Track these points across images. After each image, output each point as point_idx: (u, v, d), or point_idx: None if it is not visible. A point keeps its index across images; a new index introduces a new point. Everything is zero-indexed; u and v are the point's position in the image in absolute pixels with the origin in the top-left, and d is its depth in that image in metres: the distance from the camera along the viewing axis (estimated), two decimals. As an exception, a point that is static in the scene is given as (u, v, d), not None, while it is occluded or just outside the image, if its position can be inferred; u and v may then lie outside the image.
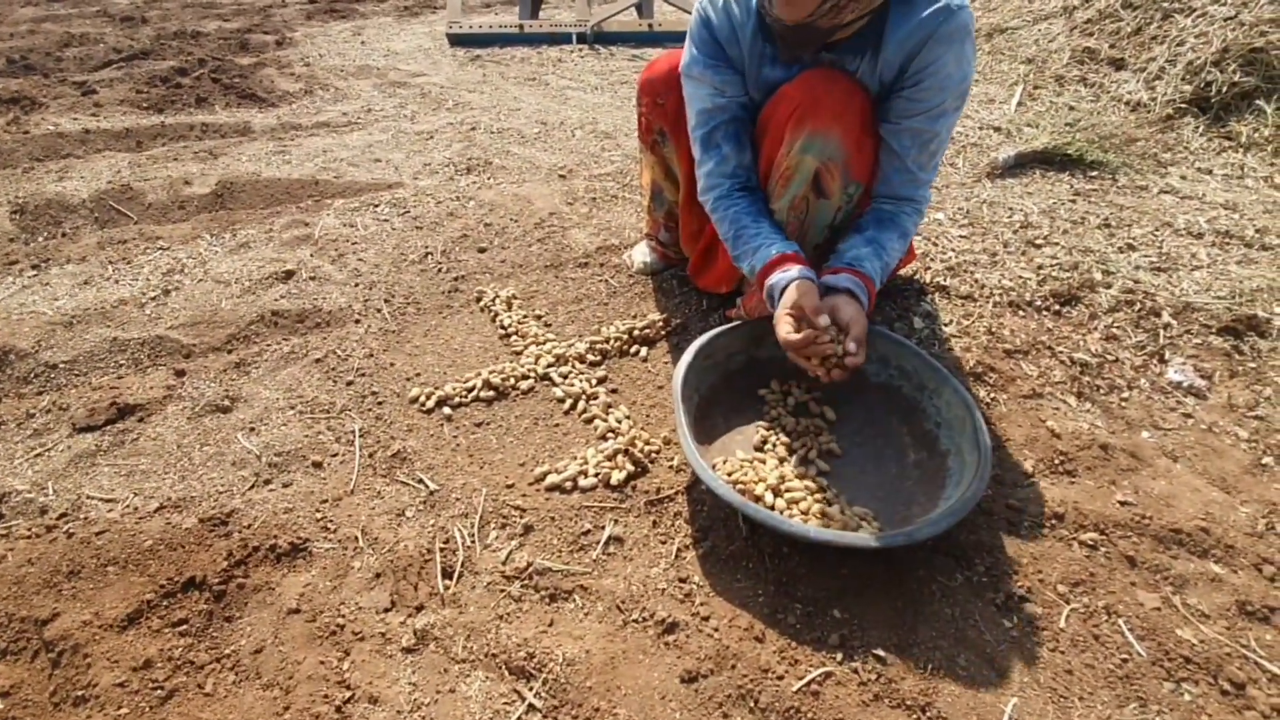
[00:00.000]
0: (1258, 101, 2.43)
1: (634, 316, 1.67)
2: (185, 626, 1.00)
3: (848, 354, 1.14)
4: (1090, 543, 1.12)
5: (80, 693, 0.92)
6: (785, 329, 1.16)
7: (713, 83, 1.27)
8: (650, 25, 4.33)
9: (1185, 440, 1.32)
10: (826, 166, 1.24)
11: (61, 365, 1.54)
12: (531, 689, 0.93)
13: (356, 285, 1.83)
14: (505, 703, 0.92)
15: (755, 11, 1.21)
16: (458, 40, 4.23)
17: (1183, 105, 2.53)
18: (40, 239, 2.08)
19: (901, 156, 1.24)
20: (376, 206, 2.23)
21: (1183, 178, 2.25)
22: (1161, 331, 1.56)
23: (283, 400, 1.44)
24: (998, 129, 2.62)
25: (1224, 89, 2.48)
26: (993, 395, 1.41)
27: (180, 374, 1.52)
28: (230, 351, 1.60)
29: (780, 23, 1.08)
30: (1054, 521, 1.16)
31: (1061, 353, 1.51)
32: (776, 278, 1.20)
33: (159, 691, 0.92)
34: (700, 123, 1.31)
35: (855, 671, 0.95)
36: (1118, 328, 1.58)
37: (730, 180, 1.32)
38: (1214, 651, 0.97)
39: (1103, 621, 1.01)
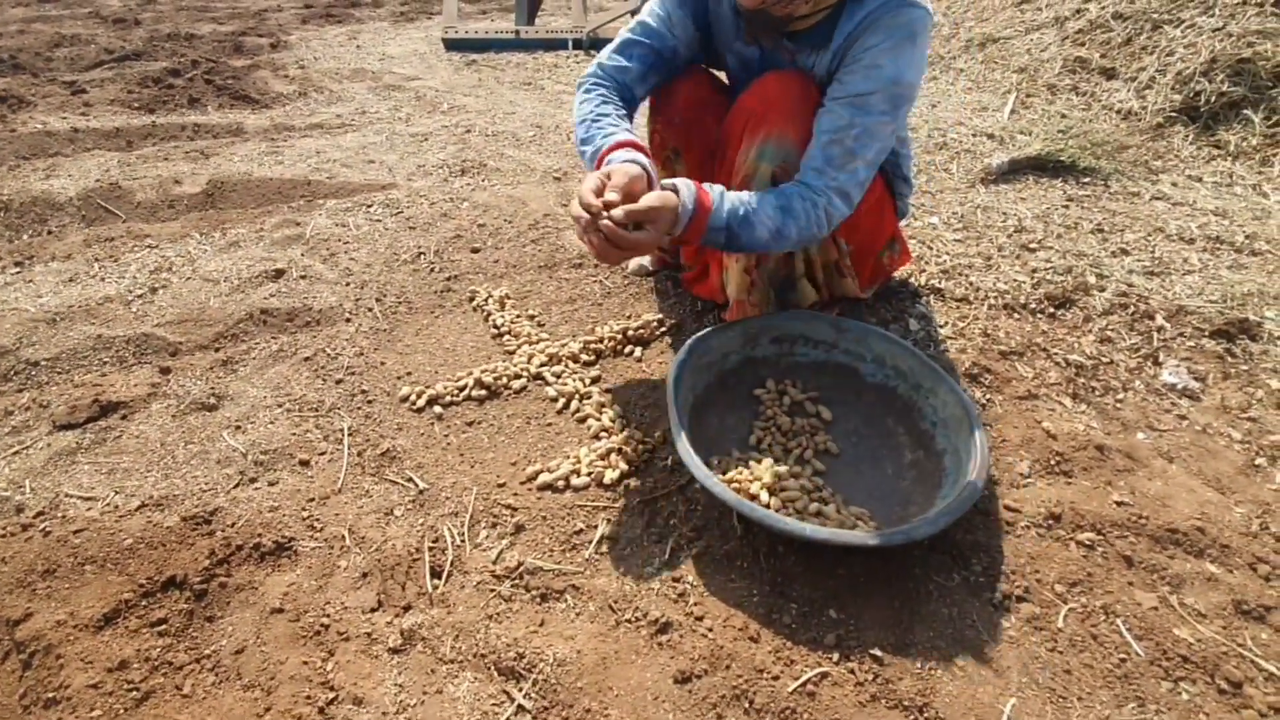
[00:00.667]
0: (1245, 111, 2.46)
1: (628, 317, 1.65)
2: (164, 626, 0.98)
3: (607, 206, 1.03)
4: (1087, 543, 1.11)
5: (51, 695, 0.89)
6: (585, 186, 1.06)
7: (671, 14, 1.30)
8: (645, 33, 4.34)
9: (1180, 441, 1.32)
10: (783, 168, 1.25)
11: (43, 362, 1.51)
12: (521, 690, 0.91)
13: (348, 284, 1.81)
14: (494, 704, 0.89)
15: None
16: (453, 45, 4.24)
17: (1173, 114, 2.56)
18: (25, 236, 2.05)
19: (817, 139, 1.17)
20: (369, 207, 2.21)
21: (1173, 185, 2.26)
22: (1155, 334, 1.56)
23: (270, 399, 1.42)
24: (991, 136, 2.64)
25: (1213, 99, 2.51)
26: (988, 396, 1.41)
27: (166, 372, 1.49)
28: (218, 349, 1.57)
29: (742, 5, 1.13)
30: (1051, 522, 1.15)
31: (1056, 355, 1.51)
32: (615, 155, 1.15)
33: (134, 693, 0.89)
34: (636, 31, 1.32)
35: (852, 672, 0.93)
36: (1112, 330, 1.58)
37: (616, 85, 1.32)
38: (1211, 650, 0.96)
39: (1100, 621, 1.00)
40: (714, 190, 1.15)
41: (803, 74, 1.24)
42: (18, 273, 1.85)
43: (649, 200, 1.04)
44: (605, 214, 1.03)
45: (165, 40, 4.19)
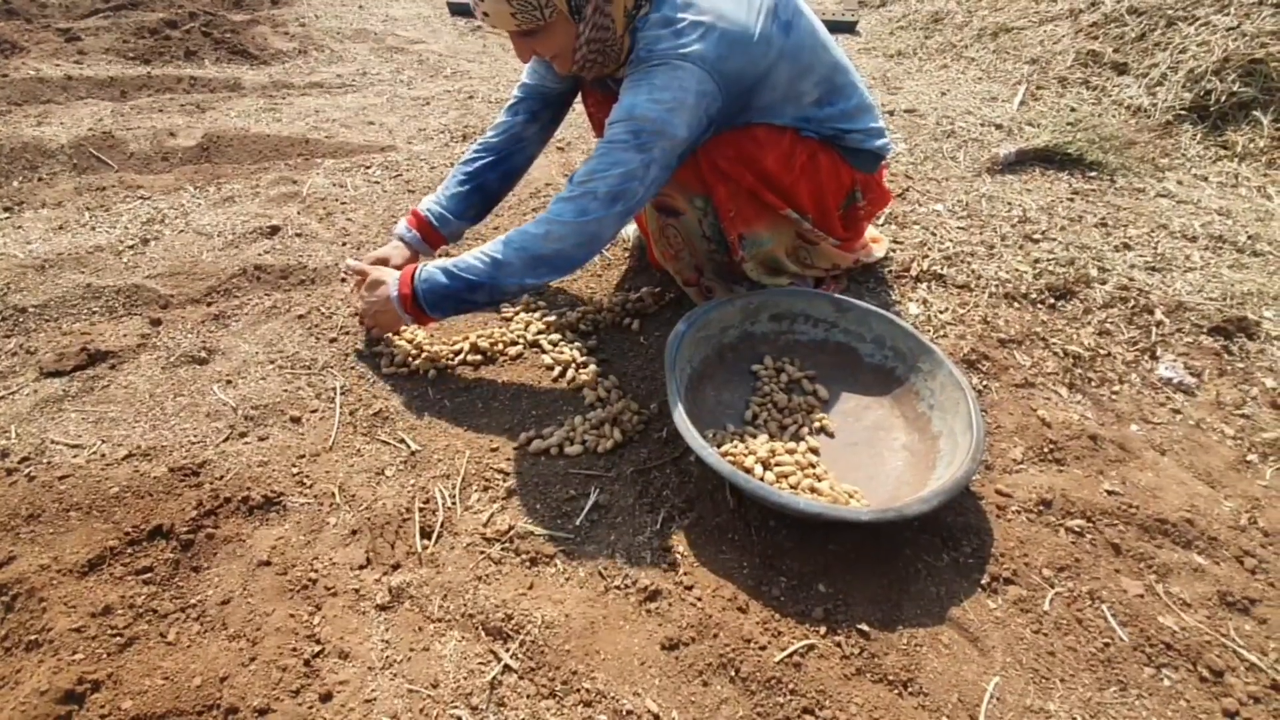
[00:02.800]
0: (1255, 112, 2.45)
1: (627, 289, 1.64)
2: (150, 575, 0.97)
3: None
4: (1077, 529, 1.12)
5: (33, 637, 0.89)
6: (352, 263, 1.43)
7: (540, 70, 1.48)
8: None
9: (1173, 435, 1.32)
10: (665, 192, 1.36)
11: (31, 309, 1.48)
12: (509, 650, 0.90)
13: (344, 244, 1.78)
14: (481, 662, 0.89)
15: None
16: (458, 9, 4.16)
17: (1182, 112, 2.54)
18: (15, 182, 2.01)
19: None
20: (368, 168, 2.18)
21: (1179, 183, 2.25)
22: (1154, 329, 1.56)
23: (262, 354, 1.40)
24: (999, 126, 2.62)
25: (1223, 98, 2.49)
26: (985, 383, 1.40)
27: (156, 323, 1.47)
28: (209, 304, 1.55)
29: (558, 71, 1.30)
30: (1042, 508, 1.15)
31: (1055, 344, 1.50)
32: (399, 226, 1.53)
33: (118, 638, 0.89)
34: (518, 91, 1.52)
35: (838, 645, 0.93)
36: (1111, 323, 1.57)
37: (494, 143, 1.52)
38: (1194, 639, 0.97)
39: (1086, 606, 1.01)
40: (427, 266, 1.27)
41: None
42: (6, 218, 1.81)
43: (369, 276, 1.35)
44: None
45: (163, -9, 4.08)
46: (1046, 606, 1.01)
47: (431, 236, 1.52)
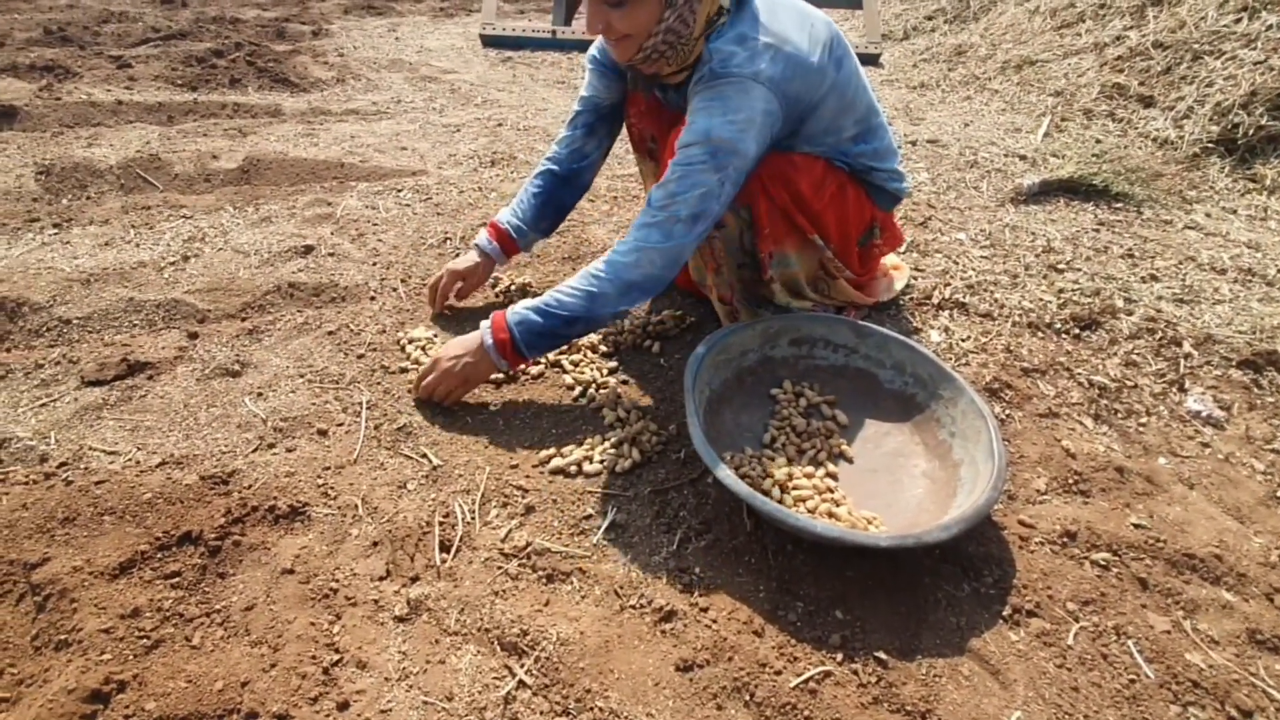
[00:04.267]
0: (1285, 146, 2.42)
1: (649, 311, 1.66)
2: (177, 579, 0.99)
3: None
4: (1102, 563, 1.10)
5: (63, 637, 0.91)
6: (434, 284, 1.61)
7: (595, 83, 1.54)
8: (680, 39, 4.38)
9: (1202, 469, 1.30)
10: None
11: (75, 320, 1.55)
12: (523, 666, 0.91)
13: (374, 264, 1.83)
14: (495, 677, 0.90)
15: None
16: (490, 41, 4.29)
17: (1209, 145, 2.53)
18: (64, 200, 2.10)
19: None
20: (399, 191, 2.24)
21: (1207, 215, 2.23)
22: (1182, 361, 1.54)
23: (292, 369, 1.44)
24: (1023, 157, 2.62)
25: (1251, 131, 2.48)
26: (1008, 412, 1.39)
27: (193, 336, 1.52)
28: (244, 319, 1.60)
29: (616, 59, 1.30)
30: (1066, 540, 1.13)
31: (1080, 375, 1.49)
32: (479, 238, 1.62)
33: (144, 640, 0.91)
34: (577, 105, 1.58)
35: (855, 673, 0.92)
36: (1138, 354, 1.56)
37: (560, 156, 1.60)
38: (1222, 678, 0.94)
39: (1111, 641, 0.99)
40: (520, 306, 1.29)
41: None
42: (56, 234, 1.90)
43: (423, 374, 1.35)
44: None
45: (210, 22, 4.28)
46: (1070, 641, 0.99)
47: (509, 247, 1.61)
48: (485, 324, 1.30)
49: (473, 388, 1.35)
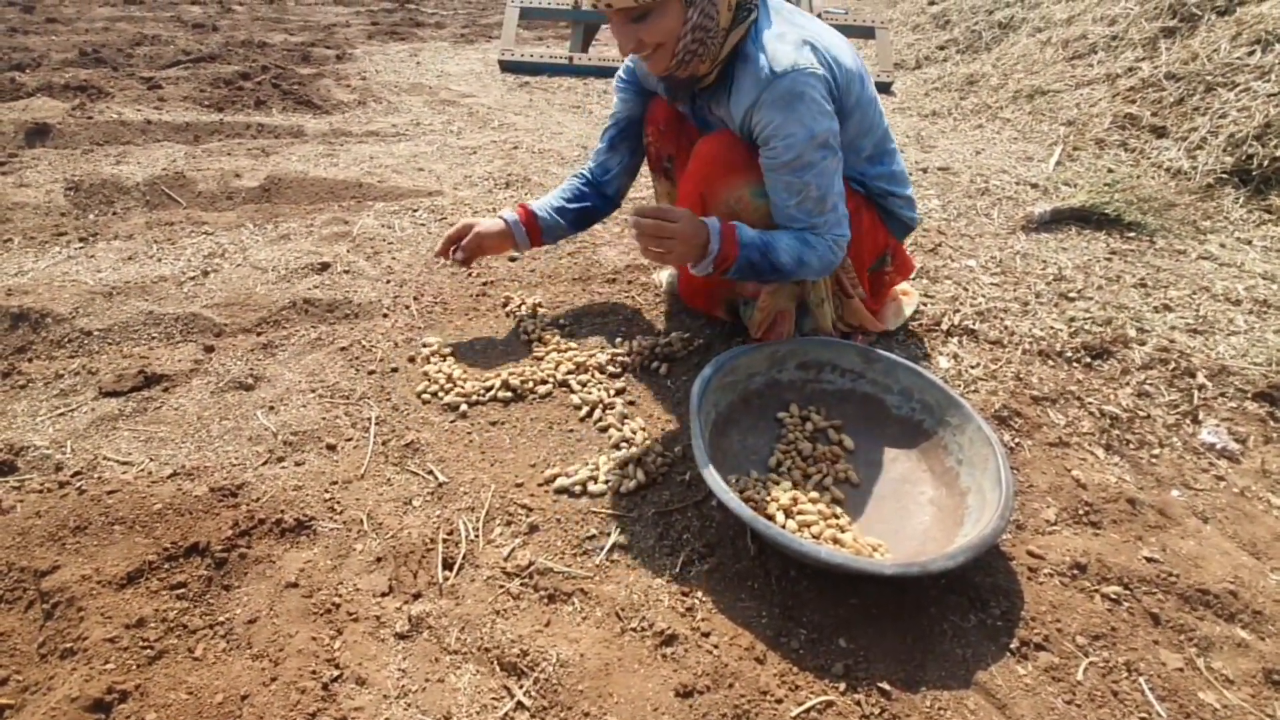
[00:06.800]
0: (1301, 177, 2.41)
1: (657, 333, 1.67)
2: (183, 590, 1.00)
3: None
4: (1113, 596, 1.08)
5: (69, 645, 0.92)
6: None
7: (621, 99, 1.61)
8: (695, 66, 4.45)
9: (1216, 502, 1.27)
10: (733, 210, 1.38)
11: (96, 332, 1.58)
12: (522, 686, 0.90)
13: (388, 282, 1.86)
14: (494, 698, 0.89)
15: None
16: (509, 67, 4.38)
17: (1223, 175, 2.52)
18: (91, 215, 2.16)
19: (783, 208, 1.31)
20: (415, 211, 2.28)
21: (1221, 245, 2.22)
22: (1196, 392, 1.52)
23: (304, 383, 1.46)
24: (1034, 185, 2.63)
25: (1265, 163, 2.47)
26: (1017, 440, 1.38)
27: (209, 350, 1.55)
28: (259, 333, 1.63)
29: (651, 71, 1.32)
30: (1075, 572, 1.12)
31: (1091, 404, 1.47)
32: (505, 211, 1.63)
33: (148, 651, 0.91)
34: (607, 120, 1.65)
35: (858, 703, 0.91)
36: (1150, 385, 1.54)
37: (590, 166, 1.67)
38: (1237, 718, 0.91)
39: (1122, 678, 0.96)
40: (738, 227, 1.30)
41: (724, 135, 1.38)
42: (81, 248, 1.95)
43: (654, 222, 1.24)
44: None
45: (239, 46, 4.41)
46: (1080, 676, 0.97)
47: (534, 232, 1.64)
48: (714, 228, 1.26)
49: (668, 263, 1.41)
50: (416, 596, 1.03)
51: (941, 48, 4.70)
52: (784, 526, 1.09)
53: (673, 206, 1.33)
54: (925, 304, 1.78)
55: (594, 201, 1.67)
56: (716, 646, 0.97)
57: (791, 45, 1.23)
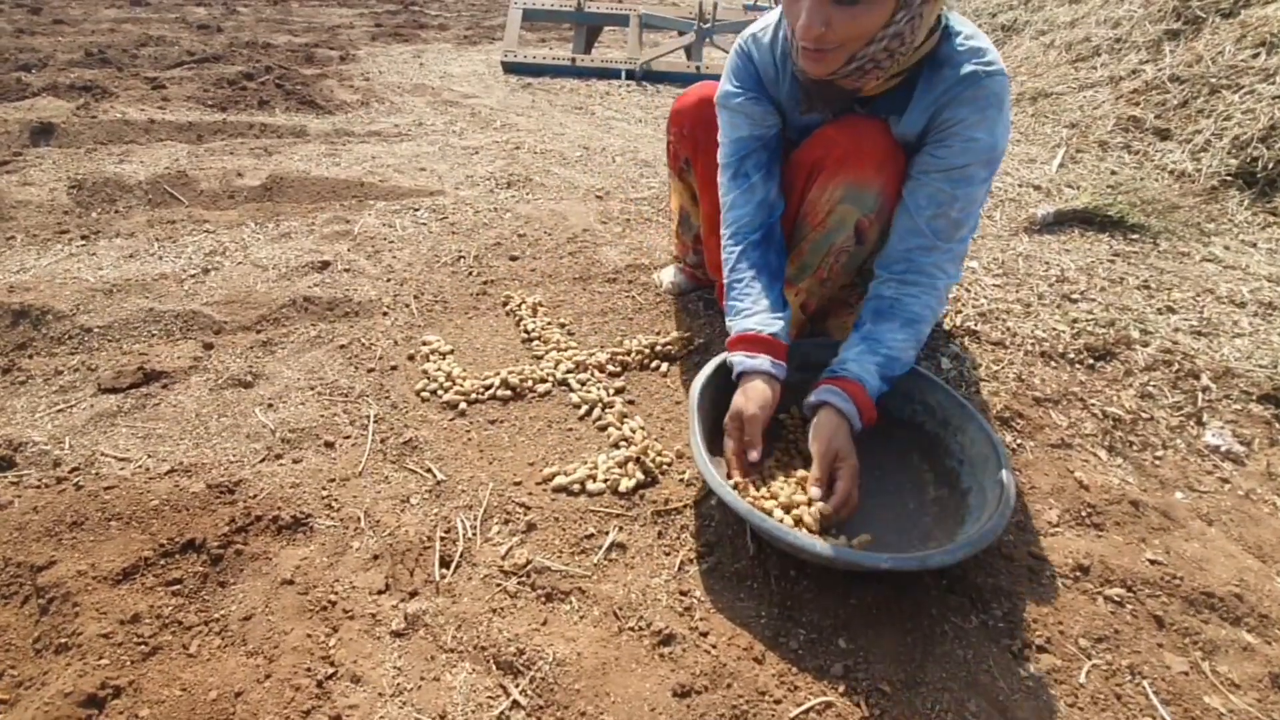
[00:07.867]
0: (1306, 180, 2.40)
1: (657, 332, 1.66)
2: (179, 586, 0.99)
3: (811, 500, 1.07)
4: (1116, 599, 1.06)
5: (64, 640, 0.91)
6: (728, 441, 1.15)
7: (752, 114, 1.28)
8: (698, 68, 4.46)
9: (1221, 504, 1.26)
10: (870, 220, 1.27)
11: (96, 329, 1.58)
12: (518, 685, 0.90)
13: (388, 280, 1.86)
14: (490, 696, 0.88)
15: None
16: (512, 68, 4.39)
17: (1228, 178, 2.51)
18: (93, 213, 2.16)
19: (915, 216, 1.17)
20: (416, 210, 2.28)
21: (1226, 248, 2.21)
22: (1200, 394, 1.51)
23: (303, 381, 1.46)
24: (1037, 187, 2.62)
25: (1270, 165, 2.45)
26: (1019, 441, 1.37)
27: (208, 347, 1.54)
28: (259, 331, 1.62)
29: (804, 74, 1.11)
30: (1078, 574, 1.10)
31: (1094, 405, 1.46)
32: (740, 359, 1.19)
33: (143, 647, 0.91)
34: (733, 151, 1.31)
35: (857, 705, 0.90)
36: (1154, 386, 1.53)
37: (754, 215, 1.29)
38: (1246, 724, 0.90)
39: (1126, 681, 0.95)
40: (850, 369, 1.16)
41: (886, 125, 1.21)
42: (83, 245, 1.95)
43: (827, 455, 1.09)
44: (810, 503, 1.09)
45: (243, 47, 4.43)
46: (1083, 679, 0.95)
47: (781, 352, 1.24)
48: (850, 409, 1.12)
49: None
50: (413, 594, 1.02)
51: (945, 50, 4.69)
52: (782, 522, 1.08)
53: (823, 459, 1.10)
54: (927, 305, 1.77)
55: (775, 260, 1.31)
56: (715, 646, 0.96)
57: (991, 48, 1.11)
